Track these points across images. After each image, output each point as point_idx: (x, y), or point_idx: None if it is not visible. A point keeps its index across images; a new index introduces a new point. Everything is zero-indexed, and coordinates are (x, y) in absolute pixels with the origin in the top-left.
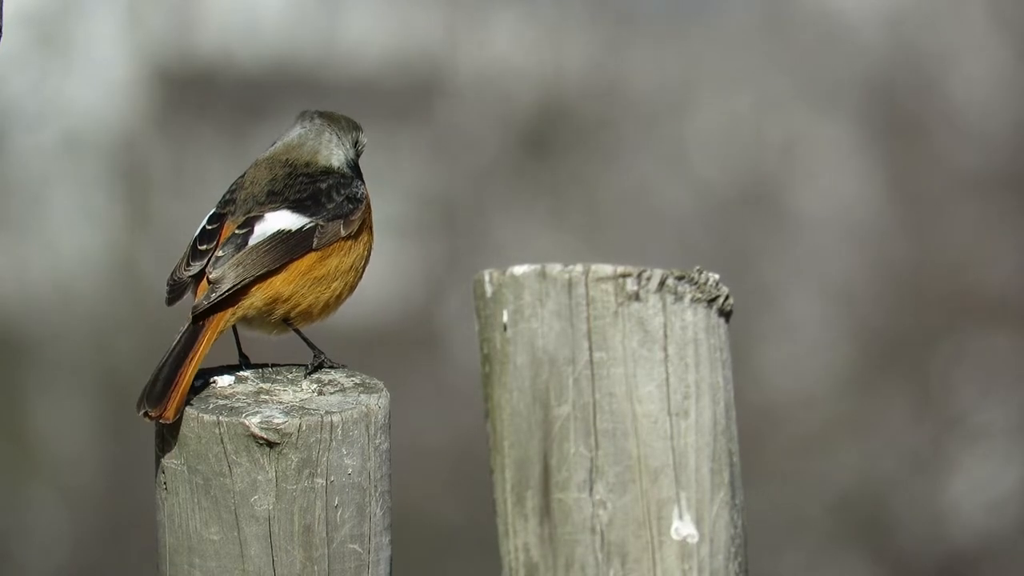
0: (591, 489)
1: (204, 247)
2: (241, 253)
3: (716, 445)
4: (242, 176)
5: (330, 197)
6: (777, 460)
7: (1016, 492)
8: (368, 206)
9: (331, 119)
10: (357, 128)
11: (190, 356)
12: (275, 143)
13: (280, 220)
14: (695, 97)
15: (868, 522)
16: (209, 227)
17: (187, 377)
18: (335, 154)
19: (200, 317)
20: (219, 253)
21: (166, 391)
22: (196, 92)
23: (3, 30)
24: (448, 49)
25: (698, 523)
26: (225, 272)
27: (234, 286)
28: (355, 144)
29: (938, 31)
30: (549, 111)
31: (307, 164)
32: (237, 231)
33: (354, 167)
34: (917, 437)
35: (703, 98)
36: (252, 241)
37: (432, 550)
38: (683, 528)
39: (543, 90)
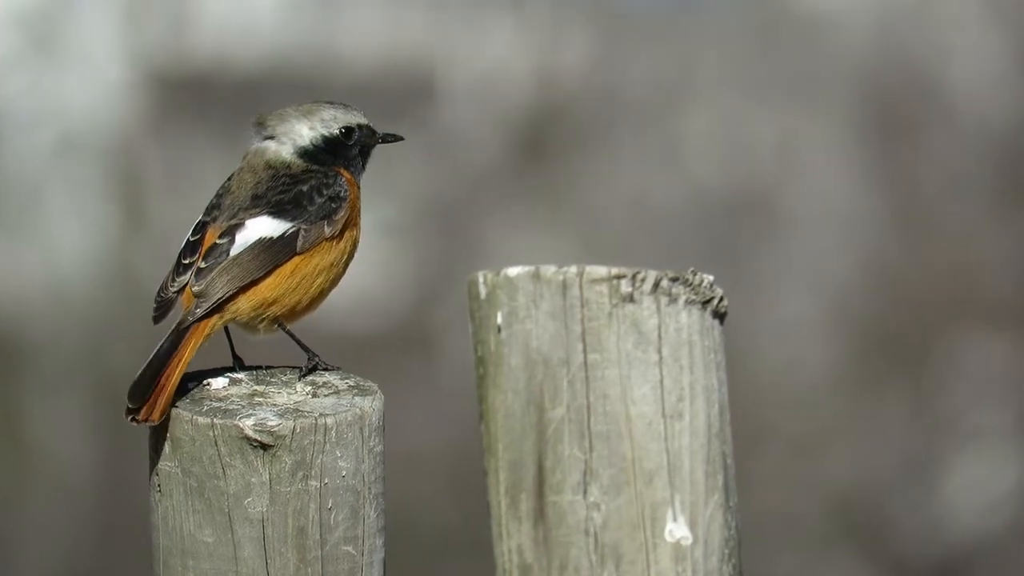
0: (585, 491)
1: (188, 261)
2: (223, 264)
3: (710, 447)
4: (229, 179)
5: (311, 199)
6: (772, 462)
7: (1011, 493)
8: (353, 204)
9: (270, 116)
10: (334, 110)
11: (175, 359)
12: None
13: (261, 227)
14: (689, 98)
15: (863, 523)
16: (192, 238)
17: (172, 380)
18: (283, 148)
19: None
20: (201, 265)
21: (149, 390)
22: (192, 95)
23: None
24: (444, 51)
25: (692, 525)
26: (208, 286)
27: (220, 298)
28: (321, 124)
29: (931, 30)
30: (544, 113)
31: (280, 164)
32: (218, 241)
33: (327, 149)
34: (912, 438)
35: (697, 99)
36: (234, 251)
37: (426, 552)
38: (677, 530)
39: (538, 92)
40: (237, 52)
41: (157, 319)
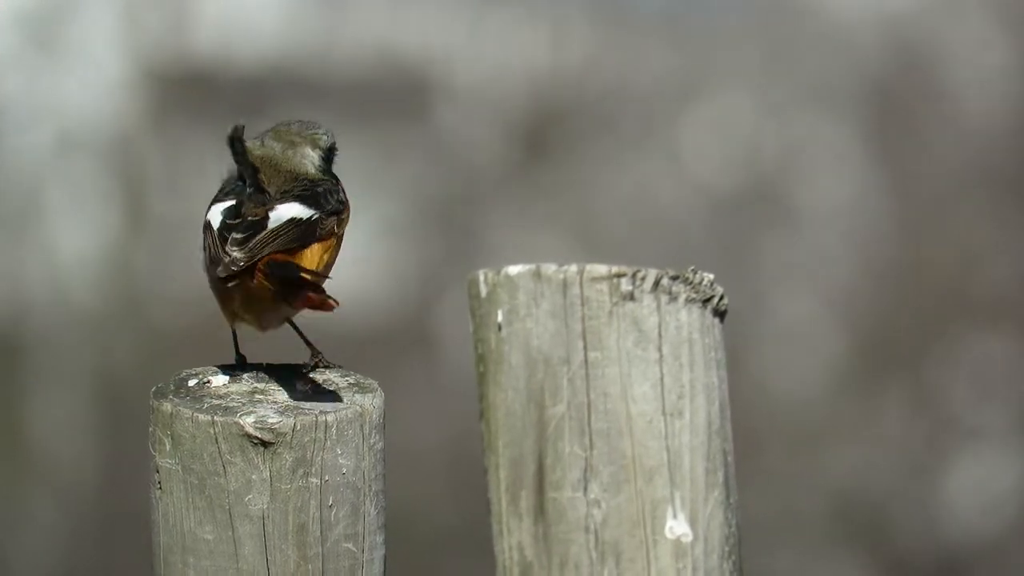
0: (585, 488)
1: (232, 235)
2: (263, 234)
3: (711, 445)
4: (251, 173)
5: (327, 199)
6: (772, 460)
7: (1011, 492)
8: (349, 210)
9: (300, 134)
10: (325, 135)
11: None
12: (263, 144)
13: (292, 210)
14: (692, 97)
15: (863, 522)
16: (230, 220)
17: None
18: (302, 164)
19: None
20: (236, 235)
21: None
22: (192, 92)
23: None
24: (445, 49)
25: (692, 522)
26: (247, 252)
27: (253, 258)
28: (327, 149)
29: (936, 30)
30: (545, 112)
31: (301, 173)
32: (251, 218)
33: (325, 167)
34: (913, 438)
35: (700, 98)
36: (271, 224)
37: (427, 549)
38: (677, 527)
39: (539, 91)
40: (238, 49)
41: (230, 278)
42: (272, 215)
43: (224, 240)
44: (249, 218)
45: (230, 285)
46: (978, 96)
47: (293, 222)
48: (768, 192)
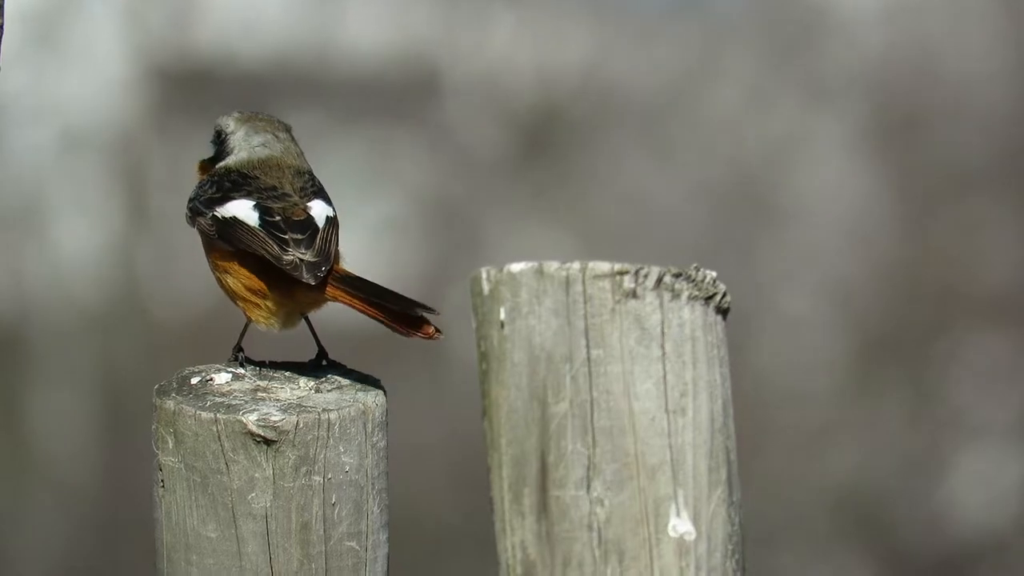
0: (588, 486)
1: (286, 236)
2: (319, 234)
3: (713, 442)
4: (254, 178)
5: (328, 195)
6: (775, 457)
7: (1013, 490)
8: None
9: (272, 122)
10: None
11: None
12: (253, 147)
13: (322, 208)
14: (691, 94)
15: (865, 520)
16: (270, 218)
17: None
18: (299, 157)
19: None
20: (295, 236)
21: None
22: (194, 90)
23: (4, 26)
24: (446, 48)
25: (695, 520)
26: (319, 251)
27: (329, 260)
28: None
29: (936, 25)
30: (547, 109)
31: (299, 168)
32: (295, 219)
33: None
34: (914, 435)
35: (699, 95)
36: (319, 224)
37: (430, 547)
38: (680, 525)
39: (540, 89)
40: (240, 47)
41: (316, 277)
42: (312, 214)
43: (281, 241)
44: (293, 218)
45: (311, 287)
46: (980, 93)
47: (331, 221)
48: (768, 188)
